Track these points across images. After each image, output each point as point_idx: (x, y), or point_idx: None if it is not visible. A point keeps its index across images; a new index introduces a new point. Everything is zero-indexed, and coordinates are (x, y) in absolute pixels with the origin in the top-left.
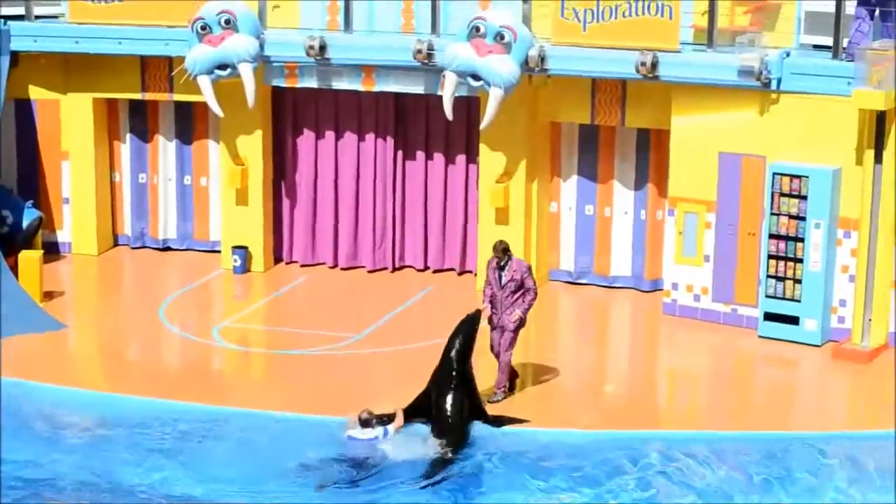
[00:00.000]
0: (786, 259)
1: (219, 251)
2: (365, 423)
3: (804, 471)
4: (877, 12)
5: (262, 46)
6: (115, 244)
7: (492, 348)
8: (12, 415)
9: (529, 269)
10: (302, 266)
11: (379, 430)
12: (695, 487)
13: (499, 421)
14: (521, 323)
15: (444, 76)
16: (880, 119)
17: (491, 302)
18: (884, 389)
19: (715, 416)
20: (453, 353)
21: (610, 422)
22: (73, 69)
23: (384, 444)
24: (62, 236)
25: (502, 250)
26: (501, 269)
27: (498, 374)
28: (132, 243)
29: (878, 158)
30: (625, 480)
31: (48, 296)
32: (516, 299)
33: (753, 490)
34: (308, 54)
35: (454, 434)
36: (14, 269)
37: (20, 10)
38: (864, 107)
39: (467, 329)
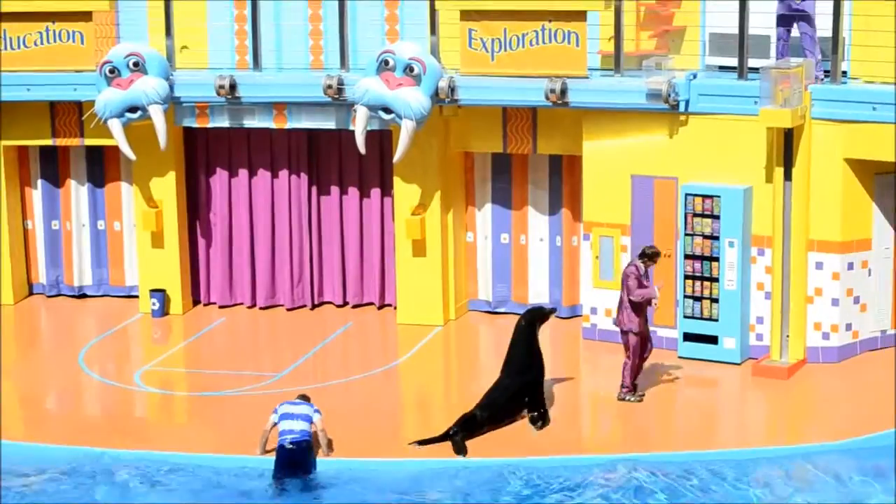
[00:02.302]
0: (702, 279)
1: (136, 296)
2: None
3: (728, 489)
4: (793, 31)
5: (171, 87)
6: (31, 293)
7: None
8: None
9: (628, 274)
10: (220, 307)
11: None
12: None
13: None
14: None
15: (355, 111)
16: (788, 137)
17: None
18: (804, 404)
19: (638, 438)
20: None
21: (534, 449)
22: None
23: None
24: None
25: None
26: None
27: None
28: (47, 291)
29: (788, 175)
30: None
31: None
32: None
33: None
34: (218, 94)
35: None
36: None
37: None
38: (772, 125)
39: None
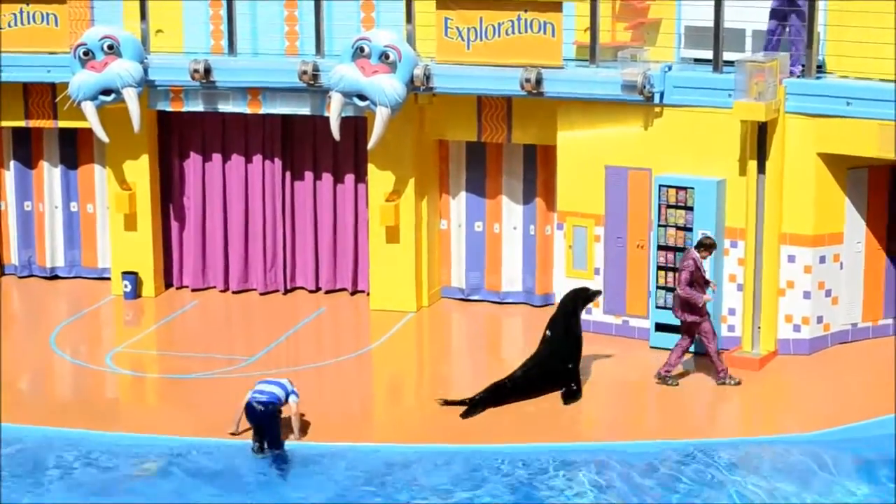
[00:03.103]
0: (675, 270)
1: (108, 278)
2: None
3: (700, 478)
4: (788, 29)
5: (146, 71)
6: (2, 273)
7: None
8: None
9: (685, 264)
10: (193, 290)
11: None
12: (589, 497)
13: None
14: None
15: (330, 97)
16: (762, 130)
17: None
18: (775, 396)
19: (609, 426)
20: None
21: (505, 436)
22: None
23: None
24: None
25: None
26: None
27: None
28: (19, 272)
29: (762, 168)
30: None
31: None
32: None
33: (651, 498)
34: (193, 78)
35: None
36: None
37: None
38: (746, 118)
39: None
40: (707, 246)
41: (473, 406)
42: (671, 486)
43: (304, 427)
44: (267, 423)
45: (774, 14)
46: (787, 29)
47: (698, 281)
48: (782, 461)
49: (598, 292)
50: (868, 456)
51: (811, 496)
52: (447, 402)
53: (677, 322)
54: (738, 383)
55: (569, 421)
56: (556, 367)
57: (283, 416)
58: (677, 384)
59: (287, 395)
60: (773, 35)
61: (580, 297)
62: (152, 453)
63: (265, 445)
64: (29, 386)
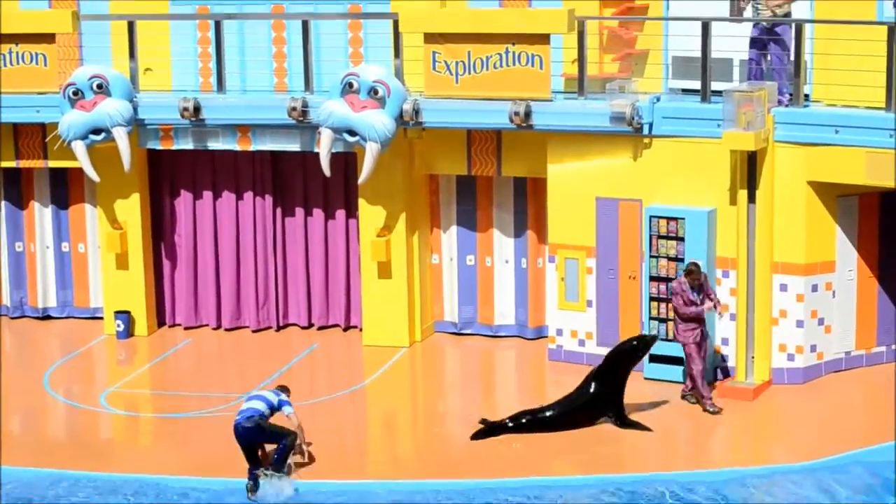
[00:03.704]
0: (667, 300)
1: (100, 317)
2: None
3: None
4: (768, 56)
5: (135, 109)
6: None
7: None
8: None
9: (674, 291)
10: (185, 328)
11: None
12: None
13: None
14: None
15: (319, 133)
16: (752, 159)
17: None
18: (769, 425)
19: (603, 460)
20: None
21: (503, 470)
22: None
23: None
24: None
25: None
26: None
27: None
28: (11, 313)
29: (752, 198)
30: None
31: None
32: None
33: None
34: (182, 116)
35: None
36: None
37: None
38: (735, 148)
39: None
40: (687, 272)
41: (498, 429)
42: None
43: (307, 455)
44: (255, 438)
45: (754, 43)
46: (769, 58)
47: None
48: (777, 492)
49: (654, 337)
50: (867, 483)
51: None
52: (483, 422)
53: (672, 353)
54: (719, 412)
55: (558, 454)
56: (598, 405)
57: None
58: (719, 411)
59: (272, 407)
60: (754, 64)
61: (641, 346)
62: (149, 493)
63: (260, 477)
64: (22, 427)
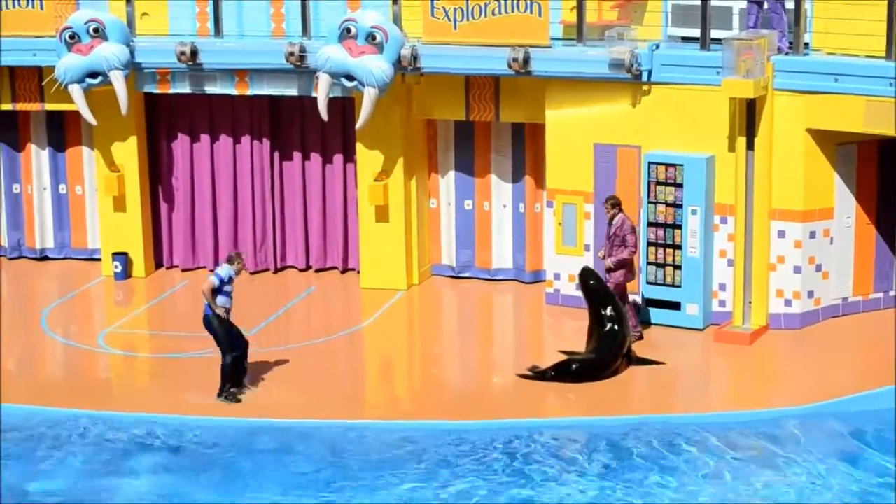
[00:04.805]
0: (664, 246)
1: (98, 258)
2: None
3: (691, 452)
4: (764, 5)
5: (132, 53)
6: None
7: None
8: None
9: (633, 227)
10: (183, 270)
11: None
12: (581, 474)
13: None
14: (620, 268)
15: (317, 78)
16: (750, 107)
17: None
18: (766, 370)
19: (599, 402)
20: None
21: (497, 411)
22: None
23: None
24: None
25: (611, 205)
26: (611, 222)
27: None
28: (9, 254)
29: (751, 145)
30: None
31: None
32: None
33: (644, 473)
34: (180, 60)
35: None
36: None
37: None
38: (734, 95)
39: (583, 283)
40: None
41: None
42: (660, 462)
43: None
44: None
45: None
46: (765, 6)
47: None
48: (774, 435)
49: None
50: (863, 428)
51: (805, 469)
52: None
53: (669, 298)
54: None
55: (551, 397)
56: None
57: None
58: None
59: (222, 280)
60: (753, 14)
61: (584, 274)
62: (146, 431)
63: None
64: (20, 366)
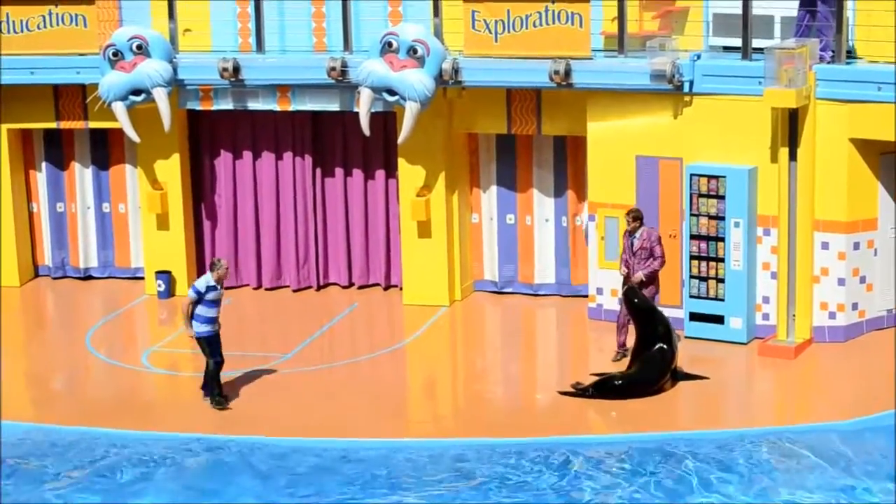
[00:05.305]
0: (707, 259)
1: (141, 277)
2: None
3: (738, 467)
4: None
5: (175, 70)
6: (36, 275)
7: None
8: None
9: (659, 238)
10: (226, 288)
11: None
12: (626, 489)
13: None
14: (643, 286)
15: (359, 92)
16: (793, 117)
17: (626, 268)
18: (811, 384)
19: (643, 417)
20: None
21: (540, 428)
22: None
23: None
24: None
25: (633, 218)
26: (633, 236)
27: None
28: (53, 273)
29: (793, 156)
30: (555, 485)
31: None
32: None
33: (692, 489)
34: (222, 76)
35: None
36: None
37: None
38: (776, 105)
39: (628, 301)
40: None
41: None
42: (706, 477)
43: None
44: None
45: (803, 2)
46: (816, 16)
47: (640, 255)
48: (820, 449)
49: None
50: None
51: (848, 483)
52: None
53: (712, 311)
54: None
55: (603, 412)
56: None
57: None
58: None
59: (199, 292)
60: (802, 22)
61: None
62: (188, 449)
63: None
64: (66, 386)
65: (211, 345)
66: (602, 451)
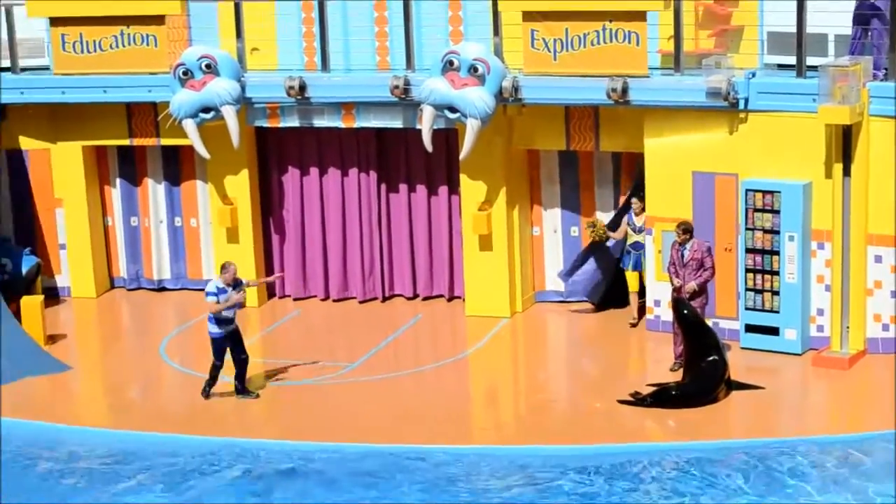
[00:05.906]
0: (763, 272)
1: None
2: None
3: (793, 476)
4: (870, 33)
5: (243, 89)
6: (112, 286)
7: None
8: (19, 455)
9: (709, 249)
10: (295, 299)
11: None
12: (684, 498)
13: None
14: (694, 297)
15: (421, 110)
16: (847, 133)
17: (678, 278)
18: (864, 393)
19: (699, 426)
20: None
21: (602, 436)
22: (61, 119)
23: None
24: (61, 281)
25: (683, 230)
26: (683, 247)
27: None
28: (128, 285)
29: (847, 171)
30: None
31: (51, 339)
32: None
33: (744, 496)
34: (289, 94)
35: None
36: (17, 314)
37: (5, 63)
38: (830, 122)
39: (677, 313)
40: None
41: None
42: (762, 486)
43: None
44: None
45: (857, 19)
46: (870, 33)
47: (690, 267)
48: (874, 458)
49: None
50: None
51: None
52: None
53: (768, 323)
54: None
55: (646, 421)
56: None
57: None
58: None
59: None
60: (856, 40)
61: (676, 303)
62: (260, 457)
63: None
64: (141, 394)
65: (217, 347)
66: (659, 459)
